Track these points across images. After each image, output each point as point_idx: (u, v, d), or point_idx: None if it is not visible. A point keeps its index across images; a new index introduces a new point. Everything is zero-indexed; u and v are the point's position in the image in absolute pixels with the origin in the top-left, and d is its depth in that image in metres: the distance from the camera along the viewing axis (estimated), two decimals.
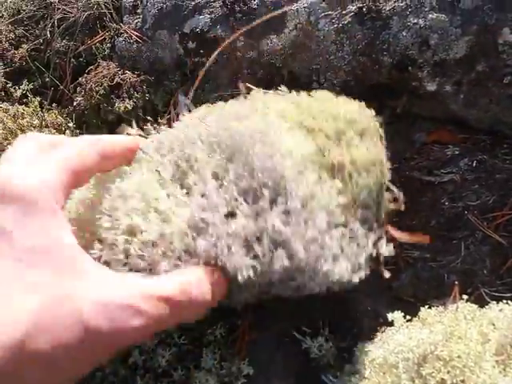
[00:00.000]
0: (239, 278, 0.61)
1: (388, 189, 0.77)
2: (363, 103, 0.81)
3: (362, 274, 0.67)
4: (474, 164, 0.89)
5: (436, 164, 0.88)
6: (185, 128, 0.74)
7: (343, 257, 0.67)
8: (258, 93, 0.83)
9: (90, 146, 0.62)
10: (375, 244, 0.71)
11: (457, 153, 0.91)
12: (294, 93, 0.82)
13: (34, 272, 0.49)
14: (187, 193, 0.68)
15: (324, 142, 0.74)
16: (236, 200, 0.65)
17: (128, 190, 0.67)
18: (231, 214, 0.65)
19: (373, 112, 0.81)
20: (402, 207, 0.76)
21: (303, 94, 0.82)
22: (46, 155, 0.58)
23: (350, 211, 0.70)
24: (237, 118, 0.72)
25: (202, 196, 0.66)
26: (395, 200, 0.77)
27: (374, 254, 0.70)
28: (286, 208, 0.65)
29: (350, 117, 0.77)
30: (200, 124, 0.74)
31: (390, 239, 0.76)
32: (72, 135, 1.07)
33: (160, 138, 0.74)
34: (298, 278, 0.66)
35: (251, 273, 0.62)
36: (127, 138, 0.70)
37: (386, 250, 0.71)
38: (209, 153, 0.70)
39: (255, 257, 0.63)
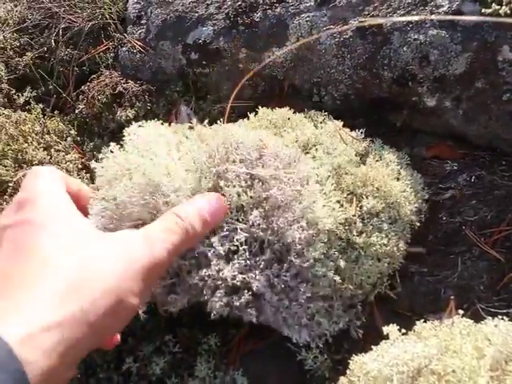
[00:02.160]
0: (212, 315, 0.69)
1: (392, 275, 0.80)
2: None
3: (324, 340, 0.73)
4: (473, 180, 0.89)
5: (435, 179, 0.89)
6: None
7: (310, 327, 0.72)
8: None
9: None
10: (349, 321, 0.76)
11: (455, 168, 0.92)
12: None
13: None
14: None
15: (354, 217, 0.77)
16: (241, 245, 0.68)
17: None
18: (231, 254, 0.69)
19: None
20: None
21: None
22: None
23: (341, 289, 0.74)
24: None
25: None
26: (392, 287, 0.81)
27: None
28: (279, 273, 0.70)
29: (395, 199, 0.80)
30: None
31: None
32: (73, 142, 1.07)
33: None
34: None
35: (225, 312, 0.69)
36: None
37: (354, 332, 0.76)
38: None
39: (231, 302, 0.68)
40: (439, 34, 0.91)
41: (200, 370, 0.73)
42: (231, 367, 0.75)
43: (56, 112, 1.14)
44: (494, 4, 0.87)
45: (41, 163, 1.00)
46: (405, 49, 0.93)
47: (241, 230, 0.69)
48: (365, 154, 0.88)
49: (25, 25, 1.26)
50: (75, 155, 1.04)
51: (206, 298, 0.69)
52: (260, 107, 0.92)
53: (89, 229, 0.60)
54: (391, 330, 0.67)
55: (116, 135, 1.04)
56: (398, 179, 0.84)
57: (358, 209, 0.79)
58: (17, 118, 1.09)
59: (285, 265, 0.70)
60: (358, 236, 0.76)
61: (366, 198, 0.79)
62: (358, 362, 0.67)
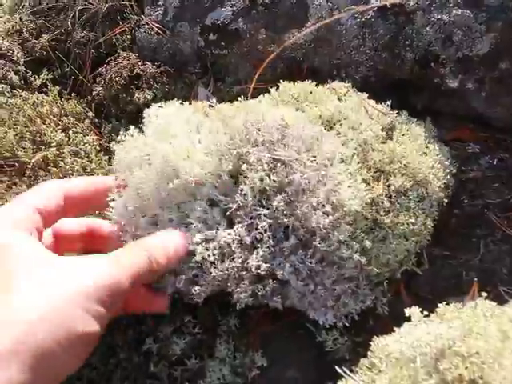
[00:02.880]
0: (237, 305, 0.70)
1: (419, 253, 0.79)
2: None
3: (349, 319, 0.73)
4: (495, 162, 0.88)
5: (457, 161, 0.87)
6: None
7: (335, 308, 0.72)
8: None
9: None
10: (376, 299, 0.75)
11: (478, 151, 0.90)
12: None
13: None
14: None
15: (381, 197, 0.76)
16: (265, 232, 0.68)
17: None
18: (256, 242, 0.69)
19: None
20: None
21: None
22: None
23: (367, 269, 0.73)
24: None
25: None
26: (419, 264, 0.81)
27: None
28: (304, 259, 0.69)
29: (423, 176, 0.79)
30: None
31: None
32: (91, 124, 1.07)
33: None
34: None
35: (250, 301, 0.70)
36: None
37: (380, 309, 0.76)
38: None
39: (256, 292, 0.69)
40: (463, 13, 0.89)
41: (220, 351, 0.73)
42: (251, 348, 0.74)
43: (73, 94, 1.14)
44: None
45: (59, 145, 1.00)
46: (428, 29, 0.91)
47: (264, 216, 0.68)
48: (391, 128, 0.85)
49: (41, 7, 1.26)
50: (93, 137, 1.03)
51: (230, 289, 0.69)
52: (282, 81, 0.90)
53: (40, 254, 0.58)
54: (413, 311, 0.67)
55: (134, 117, 1.03)
56: (426, 154, 0.82)
57: (386, 187, 0.77)
58: (34, 100, 1.09)
59: (310, 250, 0.69)
60: (385, 216, 0.75)
61: (394, 175, 0.78)
62: (379, 343, 0.67)
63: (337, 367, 0.65)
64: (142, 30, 1.13)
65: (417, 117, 0.95)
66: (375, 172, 0.78)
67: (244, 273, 0.67)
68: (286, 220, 0.68)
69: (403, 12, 0.93)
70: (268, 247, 0.67)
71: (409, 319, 0.67)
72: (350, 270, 0.71)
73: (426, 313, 0.67)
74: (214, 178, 0.71)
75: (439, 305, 0.68)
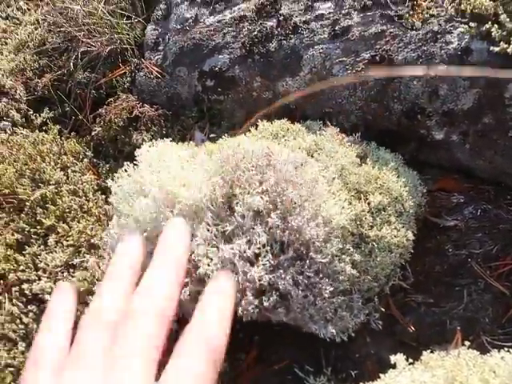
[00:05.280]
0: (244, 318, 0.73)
1: (403, 266, 0.85)
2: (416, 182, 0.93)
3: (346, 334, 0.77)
4: (479, 213, 0.92)
5: (441, 211, 0.91)
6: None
7: (334, 322, 0.76)
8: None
9: None
10: (369, 314, 0.80)
11: (462, 201, 0.94)
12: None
13: None
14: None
15: (363, 213, 0.83)
16: (263, 247, 0.73)
17: None
18: (255, 257, 0.73)
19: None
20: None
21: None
22: None
23: (359, 282, 0.77)
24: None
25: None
26: (405, 278, 0.87)
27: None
28: (303, 270, 0.74)
29: (398, 193, 0.87)
30: None
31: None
32: (89, 163, 1.10)
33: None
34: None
35: (255, 314, 0.73)
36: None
37: (374, 324, 0.81)
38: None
39: (260, 303, 0.73)
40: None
41: None
42: None
43: (73, 133, 1.17)
44: (502, 42, 0.90)
45: (58, 183, 1.02)
46: (415, 83, 0.96)
47: (261, 232, 0.74)
48: (363, 155, 0.94)
49: (45, 47, 1.30)
50: (91, 176, 1.06)
51: (235, 301, 0.72)
52: (260, 121, 0.98)
53: None
54: (398, 359, 0.69)
55: (131, 158, 1.06)
56: (397, 176, 0.90)
57: (366, 205, 0.84)
58: (34, 138, 1.12)
59: (306, 261, 0.74)
60: (369, 230, 0.82)
61: (373, 194, 0.85)
62: None
63: None
64: (141, 74, 1.17)
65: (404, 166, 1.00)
66: (355, 192, 0.86)
67: (248, 284, 0.72)
68: (281, 234, 0.74)
69: (392, 65, 0.98)
70: (268, 260, 0.73)
71: (394, 366, 0.69)
72: (343, 284, 0.76)
73: (410, 360, 0.69)
74: (211, 203, 0.77)
75: (424, 352, 0.70)
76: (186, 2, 1.17)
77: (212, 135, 1.08)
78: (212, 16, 1.13)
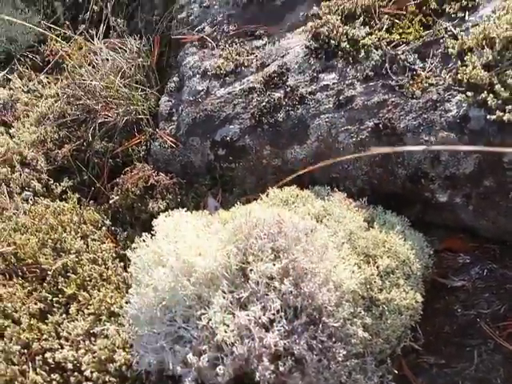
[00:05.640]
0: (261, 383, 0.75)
1: (413, 328, 0.88)
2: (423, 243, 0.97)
3: None
4: (485, 273, 0.95)
5: (448, 272, 0.94)
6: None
7: None
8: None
9: None
10: (382, 376, 0.82)
11: (468, 261, 0.97)
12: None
13: None
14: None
15: (372, 276, 0.86)
16: (277, 312, 0.77)
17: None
18: (270, 323, 0.77)
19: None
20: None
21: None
22: None
23: (371, 345, 0.81)
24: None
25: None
26: (416, 339, 0.89)
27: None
28: (316, 335, 0.77)
29: (406, 256, 0.90)
30: None
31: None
32: (108, 231, 1.15)
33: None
34: None
35: (271, 379, 0.75)
36: None
37: None
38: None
39: (276, 368, 0.75)
40: (448, 135, 0.99)
41: None
42: None
43: (91, 201, 1.22)
44: (498, 111, 0.95)
45: (78, 252, 1.07)
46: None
47: (275, 299, 0.77)
48: (371, 219, 0.99)
49: (64, 119, 1.37)
50: (110, 244, 1.11)
51: (252, 366, 0.76)
52: (270, 188, 1.03)
53: None
54: None
55: (147, 225, 1.10)
56: (404, 239, 0.93)
57: (375, 268, 0.87)
58: (55, 208, 1.18)
59: (319, 326, 0.77)
60: (379, 293, 0.85)
61: (381, 257, 0.89)
62: None
63: None
64: (156, 144, 1.24)
65: (411, 227, 1.03)
66: (364, 256, 0.89)
67: (264, 350, 0.75)
68: (294, 300, 0.78)
69: (394, 133, 1.03)
70: (282, 326, 0.76)
71: None
72: (356, 347, 0.79)
73: None
74: (225, 271, 0.81)
75: None
76: (197, 75, 1.24)
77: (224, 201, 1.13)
78: (223, 88, 1.20)
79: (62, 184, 1.28)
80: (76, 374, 0.90)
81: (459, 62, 1.03)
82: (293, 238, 0.83)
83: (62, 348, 0.94)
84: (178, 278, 0.83)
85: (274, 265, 0.80)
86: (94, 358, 0.91)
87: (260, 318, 0.77)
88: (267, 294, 0.79)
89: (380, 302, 0.85)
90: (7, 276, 1.06)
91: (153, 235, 0.92)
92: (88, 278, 1.02)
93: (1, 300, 1.00)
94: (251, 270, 0.80)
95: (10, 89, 1.52)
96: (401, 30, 1.13)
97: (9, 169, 1.29)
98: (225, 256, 0.83)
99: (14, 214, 1.18)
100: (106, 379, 0.89)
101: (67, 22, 1.63)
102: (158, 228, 0.93)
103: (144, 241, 0.92)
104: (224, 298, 0.80)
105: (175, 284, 0.83)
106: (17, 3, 1.66)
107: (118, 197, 1.18)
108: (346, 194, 1.03)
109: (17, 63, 1.60)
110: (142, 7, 1.60)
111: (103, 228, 1.15)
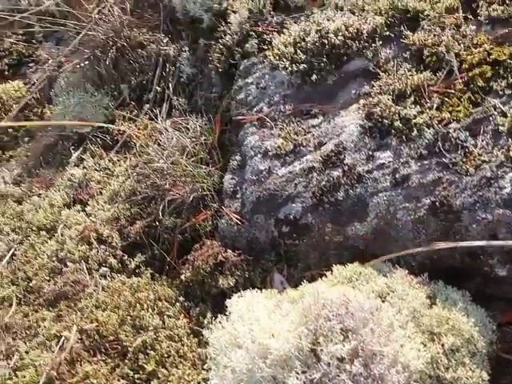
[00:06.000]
0: None
1: None
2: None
3: None
4: None
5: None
6: None
7: None
8: None
9: None
10: None
11: None
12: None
13: None
14: None
15: (438, 355, 0.90)
16: None
17: None
18: None
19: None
20: None
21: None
22: None
23: None
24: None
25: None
26: None
27: None
28: None
29: (470, 334, 0.94)
30: None
31: None
32: (181, 307, 1.23)
33: None
34: None
35: None
36: None
37: None
38: None
39: None
40: (505, 213, 1.04)
41: None
42: None
43: (163, 276, 1.31)
44: None
45: (155, 328, 1.15)
46: (474, 226, 1.06)
47: (346, 380, 0.82)
48: (432, 295, 1.02)
49: (135, 197, 1.48)
50: (184, 320, 1.19)
51: None
52: (334, 265, 1.09)
53: None
54: None
55: (218, 300, 1.19)
56: (467, 315, 0.96)
57: (440, 346, 0.91)
58: (131, 284, 1.27)
59: None
60: (445, 372, 0.88)
61: (445, 335, 0.92)
62: None
63: None
64: (223, 221, 1.32)
65: (472, 300, 1.07)
66: (428, 334, 0.93)
67: None
68: (365, 382, 0.82)
69: (451, 211, 1.08)
70: None
71: None
72: None
73: None
74: (298, 352, 0.86)
75: None
76: (259, 155, 1.33)
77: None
78: (283, 167, 1.28)
79: (135, 259, 1.37)
80: None
81: (510, 140, 1.09)
82: (360, 319, 0.88)
83: None
84: (254, 360, 0.89)
85: (344, 346, 0.84)
86: None
87: None
88: (339, 375, 0.83)
89: (447, 381, 0.88)
90: (91, 352, 1.15)
91: (227, 316, 0.99)
92: (166, 355, 1.10)
93: (88, 377, 1.09)
94: (322, 350, 0.86)
95: (84, 167, 1.64)
96: (451, 108, 1.19)
97: (87, 246, 1.40)
98: (297, 337, 0.88)
99: (94, 290, 1.28)
100: None
101: (132, 103, 1.76)
102: (231, 309, 1.00)
103: (220, 322, 0.98)
104: (297, 378, 0.85)
105: (252, 366, 0.89)
106: (87, 87, 1.81)
107: (189, 273, 1.26)
108: (407, 271, 1.07)
109: (89, 143, 1.73)
110: (201, 85, 1.72)
111: (177, 304, 1.23)
